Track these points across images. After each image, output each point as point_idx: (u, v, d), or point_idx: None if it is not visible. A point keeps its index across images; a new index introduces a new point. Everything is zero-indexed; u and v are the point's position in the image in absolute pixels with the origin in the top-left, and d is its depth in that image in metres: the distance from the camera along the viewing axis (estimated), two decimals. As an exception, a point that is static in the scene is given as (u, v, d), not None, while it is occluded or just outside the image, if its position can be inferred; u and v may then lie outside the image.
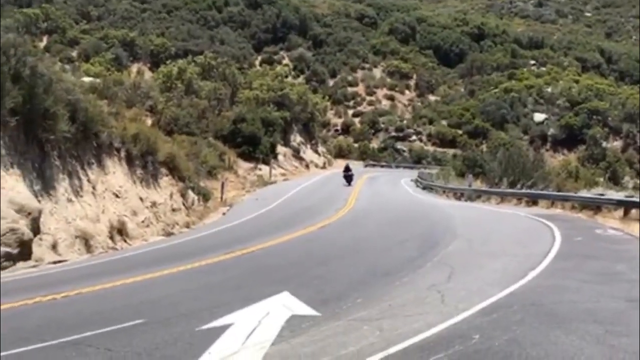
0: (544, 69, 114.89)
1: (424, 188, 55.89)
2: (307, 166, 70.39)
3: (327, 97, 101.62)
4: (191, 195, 34.72)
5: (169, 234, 27.42)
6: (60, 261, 18.93)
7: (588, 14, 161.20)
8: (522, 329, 8.96)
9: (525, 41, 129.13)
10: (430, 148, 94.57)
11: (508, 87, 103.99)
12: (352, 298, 11.01)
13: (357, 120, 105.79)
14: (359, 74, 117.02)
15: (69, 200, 21.90)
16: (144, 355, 7.96)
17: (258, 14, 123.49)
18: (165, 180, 32.14)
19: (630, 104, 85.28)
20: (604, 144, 75.69)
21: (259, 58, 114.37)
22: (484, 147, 73.76)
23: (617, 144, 77.71)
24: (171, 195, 31.58)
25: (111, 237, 22.87)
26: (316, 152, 78.34)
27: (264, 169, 57.29)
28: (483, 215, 31.21)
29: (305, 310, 10.09)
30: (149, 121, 43.26)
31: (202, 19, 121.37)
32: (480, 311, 9.97)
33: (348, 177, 53.68)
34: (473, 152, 69.40)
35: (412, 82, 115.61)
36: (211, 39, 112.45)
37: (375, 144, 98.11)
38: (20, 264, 17.56)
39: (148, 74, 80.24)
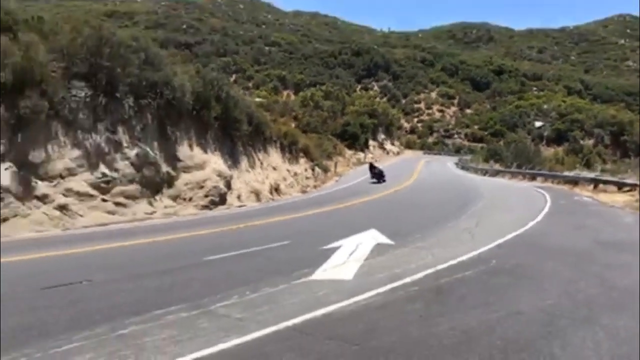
0: (542, 92, 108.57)
1: (462, 168, 54.09)
2: (387, 153, 69.57)
3: (401, 110, 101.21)
4: (317, 169, 35.07)
5: (304, 192, 27.83)
6: (242, 206, 19.59)
7: (573, 57, 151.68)
8: (524, 258, 8.62)
9: (530, 75, 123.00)
10: (466, 143, 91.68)
11: (518, 105, 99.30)
12: (415, 234, 10.88)
13: (419, 125, 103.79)
14: (422, 95, 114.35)
15: (247, 171, 22.55)
16: (290, 262, 8.18)
17: (359, 59, 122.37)
18: (302, 160, 32.59)
19: (600, 116, 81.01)
20: (581, 142, 71.22)
21: (359, 86, 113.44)
22: (501, 142, 70.40)
23: (590, 142, 72.85)
24: (305, 169, 32.03)
25: (271, 193, 23.45)
26: (393, 144, 77.34)
27: (361, 154, 57.26)
28: (500, 185, 29.94)
29: (385, 240, 10.06)
30: (293, 125, 43.84)
31: (325, 63, 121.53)
32: (496, 245, 9.64)
33: (377, 175, 30.79)
34: (494, 146, 66.53)
35: (455, 101, 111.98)
36: (330, 75, 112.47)
37: (430, 139, 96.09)
38: (220, 207, 18.29)
39: (292, 97, 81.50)
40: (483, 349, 4.48)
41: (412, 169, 45.78)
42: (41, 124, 13.60)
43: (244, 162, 22.52)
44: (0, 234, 10.85)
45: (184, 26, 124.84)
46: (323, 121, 54.84)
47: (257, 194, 21.54)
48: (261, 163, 24.39)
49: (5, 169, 12.34)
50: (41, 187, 12.78)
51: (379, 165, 35.58)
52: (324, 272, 7.32)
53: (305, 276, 7.04)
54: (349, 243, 9.58)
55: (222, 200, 18.59)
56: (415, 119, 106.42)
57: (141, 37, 18.81)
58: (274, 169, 25.69)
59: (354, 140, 57.90)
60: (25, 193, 12.37)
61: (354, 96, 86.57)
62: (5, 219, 11.63)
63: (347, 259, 8.27)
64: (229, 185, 19.42)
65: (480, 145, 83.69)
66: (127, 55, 16.55)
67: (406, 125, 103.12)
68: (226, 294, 6.10)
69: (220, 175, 18.88)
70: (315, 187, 31.18)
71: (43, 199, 12.62)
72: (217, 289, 6.37)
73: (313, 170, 33.68)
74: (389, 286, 6.47)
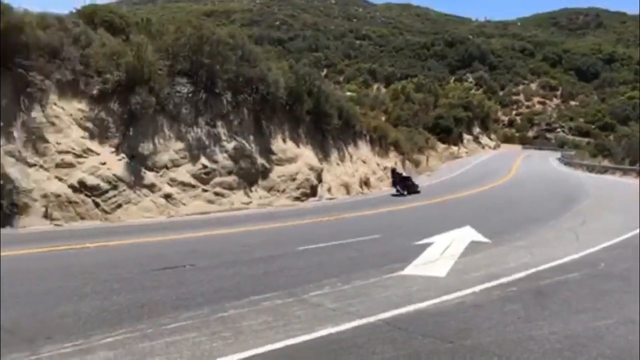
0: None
1: (565, 164, 50.43)
2: (483, 147, 66.69)
3: (498, 103, 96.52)
4: (408, 163, 34.50)
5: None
6: (332, 198, 19.84)
7: None
8: (636, 262, 7.88)
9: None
10: (570, 137, 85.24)
11: (631, 96, 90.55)
12: (513, 233, 10.37)
13: (518, 118, 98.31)
14: (520, 87, 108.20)
15: (337, 164, 22.77)
16: (382, 255, 8.16)
17: (453, 50, 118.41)
18: (392, 154, 32.25)
19: None
20: None
21: (452, 78, 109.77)
22: (611, 137, 64.59)
23: None
24: (395, 163, 31.59)
25: (360, 186, 23.48)
26: (489, 138, 74.01)
27: (454, 148, 55.44)
28: (608, 183, 27.57)
29: (480, 238, 9.69)
30: (383, 118, 43.46)
31: (416, 55, 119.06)
32: (603, 248, 8.91)
33: (407, 185, 21.19)
34: (602, 140, 61.24)
35: (558, 93, 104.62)
36: (422, 67, 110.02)
37: (530, 133, 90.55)
38: (311, 199, 18.68)
39: (383, 90, 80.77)
40: (589, 357, 4.18)
41: (509, 164, 43.46)
42: (149, 118, 14.74)
43: (334, 156, 22.75)
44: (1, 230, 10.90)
45: (277, 23, 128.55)
46: (414, 114, 53.79)
47: (347, 187, 21.68)
48: (351, 156, 24.50)
49: (119, 159, 13.54)
50: (149, 176, 13.86)
51: (470, 158, 33.60)
52: (416, 268, 7.22)
53: (396, 271, 6.99)
54: (442, 239, 9.36)
55: (313, 192, 18.95)
56: (514, 112, 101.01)
57: (238, 35, 19.63)
58: (364, 162, 25.68)
59: (447, 133, 56.15)
60: (136, 182, 13.49)
61: (447, 88, 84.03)
62: (119, 206, 12.78)
63: (440, 255, 8.09)
64: (319, 178, 19.75)
65: (586, 139, 77.52)
66: (225, 53, 17.39)
67: (504, 118, 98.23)
68: (318, 283, 6.23)
69: (311, 168, 19.25)
70: (406, 181, 30.67)
71: (151, 187, 13.69)
72: (310, 278, 6.53)
73: (403, 163, 33.19)
74: (484, 285, 6.24)
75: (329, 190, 20.24)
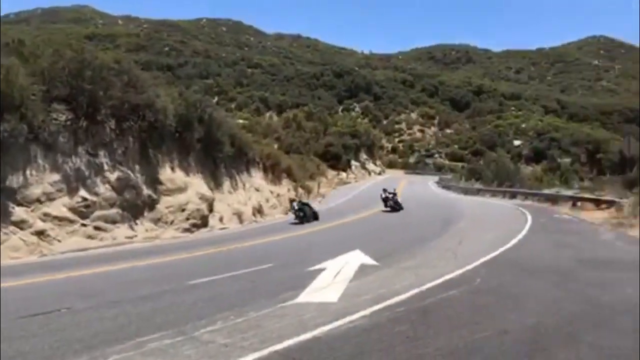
0: (520, 112, 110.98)
1: (443, 187, 54.56)
2: (369, 173, 69.98)
3: (382, 131, 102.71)
4: (300, 190, 34.99)
5: (287, 214, 27.63)
6: (224, 228, 19.41)
7: (549, 78, 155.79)
8: (507, 277, 8.68)
9: (508, 94, 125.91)
10: (446, 162, 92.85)
11: (497, 124, 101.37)
12: (399, 255, 10.90)
13: (400, 145, 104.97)
14: (402, 116, 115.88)
15: (230, 192, 22.40)
16: (275, 284, 8.10)
17: (340, 81, 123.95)
18: (285, 181, 32.52)
19: (576, 134, 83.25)
20: (559, 159, 72.66)
21: (341, 107, 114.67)
22: (481, 161, 71.39)
23: (567, 159, 74.30)
24: (288, 190, 31.92)
25: (253, 214, 23.29)
26: (375, 164, 77.90)
27: (343, 174, 57.55)
28: (481, 204, 30.28)
29: (370, 261, 10.05)
30: (276, 146, 43.85)
31: (307, 84, 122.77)
32: (480, 264, 9.70)
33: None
34: (474, 164, 67.49)
35: (435, 121, 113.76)
36: (312, 96, 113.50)
37: (412, 159, 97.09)
38: (202, 230, 18.09)
39: (275, 118, 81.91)
40: (470, 370, 4.47)
41: (393, 188, 45.92)
42: (20, 147, 13.38)
43: (226, 184, 22.37)
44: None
45: (167, 48, 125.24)
46: (305, 142, 55.13)
47: (240, 216, 21.37)
48: (244, 184, 24.27)
49: (-18, 194, 12.07)
50: (18, 212, 12.50)
51: (358, 184, 34.60)
52: (309, 295, 7.27)
53: (290, 299, 6.97)
54: (333, 264, 9.55)
55: (204, 222, 18.40)
56: (397, 139, 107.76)
57: (123, 60, 18.75)
58: (257, 190, 25.57)
59: (337, 160, 58.30)
60: (2, 219, 12.09)
61: (335, 117, 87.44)
62: (-19, 246, 11.31)
63: (332, 280, 8.23)
64: (211, 208, 19.25)
65: (460, 164, 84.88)
66: (109, 78, 16.46)
67: (387, 145, 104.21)
68: (211, 319, 6.01)
69: (202, 197, 18.72)
70: (298, 208, 30.97)
71: (20, 224, 12.34)
72: (201, 314, 6.27)
73: (296, 191, 33.60)
74: (374, 307, 6.46)
75: (221, 219, 19.79)
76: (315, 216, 20.85)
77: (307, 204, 21.79)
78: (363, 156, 72.56)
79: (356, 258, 10.29)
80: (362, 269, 9.17)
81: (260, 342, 5.16)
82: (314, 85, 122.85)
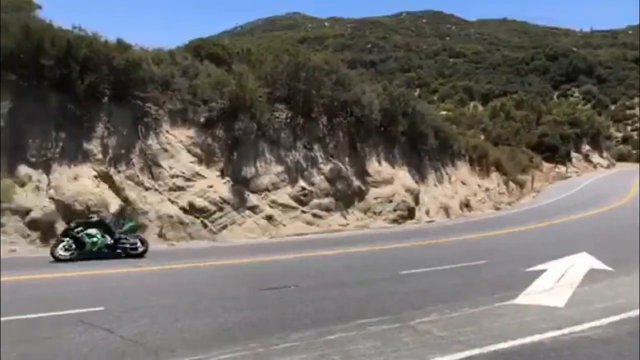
0: None
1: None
2: (594, 166, 61.73)
3: (609, 118, 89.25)
4: (511, 184, 32.83)
5: (497, 209, 26.26)
6: (431, 221, 19.39)
7: None
8: None
9: None
10: None
11: None
12: (637, 261, 9.37)
13: (634, 133, 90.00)
14: (636, 100, 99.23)
15: (435, 185, 22.28)
16: (490, 282, 7.76)
17: (555, 64, 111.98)
18: (494, 174, 30.89)
19: None
20: None
21: (556, 93, 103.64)
22: None
23: None
24: (498, 184, 30.27)
25: (461, 208, 22.75)
26: (601, 156, 68.40)
27: (561, 168, 51.93)
28: None
29: (601, 265, 8.87)
30: (482, 137, 41.92)
31: (515, 70, 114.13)
32: None
33: None
34: None
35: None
36: (522, 83, 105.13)
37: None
38: (408, 222, 18.38)
39: (480, 108, 78.35)
40: None
41: (626, 185, 39.66)
42: (251, 143, 15.48)
43: (431, 177, 22.29)
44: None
45: (369, 45, 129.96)
46: (515, 132, 51.33)
47: (447, 210, 21.09)
48: (449, 177, 23.84)
49: (224, 183, 14.32)
50: (252, 199, 14.49)
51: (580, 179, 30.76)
52: (530, 296, 6.77)
53: (508, 299, 6.60)
54: (555, 266, 8.72)
55: (411, 214, 18.65)
56: (629, 127, 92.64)
57: (332, 60, 20.11)
58: (463, 183, 24.85)
59: (553, 152, 52.79)
60: (240, 204, 14.17)
61: (550, 104, 79.42)
62: (225, 227, 13.47)
63: (556, 284, 7.52)
64: (417, 200, 19.41)
65: None
66: (321, 78, 17.89)
67: (617, 134, 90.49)
68: (424, 310, 6.05)
69: (408, 190, 19.00)
70: (509, 203, 29.11)
71: (254, 209, 14.30)
72: (415, 304, 6.37)
73: (506, 185, 31.62)
74: (612, 318, 5.69)
75: (428, 212, 19.82)
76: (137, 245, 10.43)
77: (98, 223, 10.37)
78: (586, 147, 64.40)
79: (584, 261, 9.20)
80: (592, 274, 8.15)
81: (478, 339, 5.00)
82: (523, 71, 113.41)
